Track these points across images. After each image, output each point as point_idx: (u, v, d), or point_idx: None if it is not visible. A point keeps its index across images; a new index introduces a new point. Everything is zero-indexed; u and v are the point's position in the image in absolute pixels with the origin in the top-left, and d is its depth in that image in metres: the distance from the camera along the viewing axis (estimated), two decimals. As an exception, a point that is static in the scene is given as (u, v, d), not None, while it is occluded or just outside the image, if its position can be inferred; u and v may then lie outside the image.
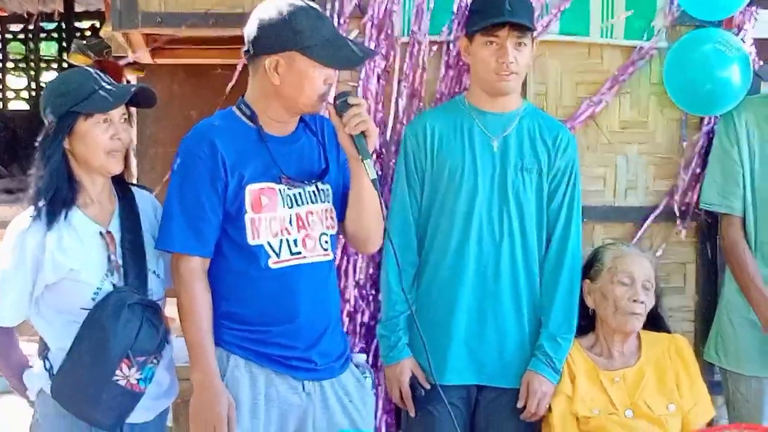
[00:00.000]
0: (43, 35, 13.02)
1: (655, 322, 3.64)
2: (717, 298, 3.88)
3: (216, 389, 3.00)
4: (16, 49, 13.40)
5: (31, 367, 3.15)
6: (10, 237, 3.04)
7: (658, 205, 3.91)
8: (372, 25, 3.77)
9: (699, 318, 3.96)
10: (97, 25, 11.55)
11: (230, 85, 3.76)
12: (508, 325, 3.53)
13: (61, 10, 12.02)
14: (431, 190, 3.55)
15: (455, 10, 3.77)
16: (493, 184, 3.51)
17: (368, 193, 3.08)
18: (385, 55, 3.78)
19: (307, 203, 3.11)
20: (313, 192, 3.13)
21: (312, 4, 3.07)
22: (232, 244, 3.06)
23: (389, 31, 3.78)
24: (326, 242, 3.15)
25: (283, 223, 3.07)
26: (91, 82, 3.06)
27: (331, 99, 3.07)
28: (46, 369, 3.06)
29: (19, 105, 13.24)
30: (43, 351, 3.11)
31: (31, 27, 12.56)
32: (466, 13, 3.66)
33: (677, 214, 3.90)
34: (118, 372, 2.96)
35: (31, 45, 12.96)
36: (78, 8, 12.17)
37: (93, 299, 3.00)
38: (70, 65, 7.48)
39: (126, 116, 3.12)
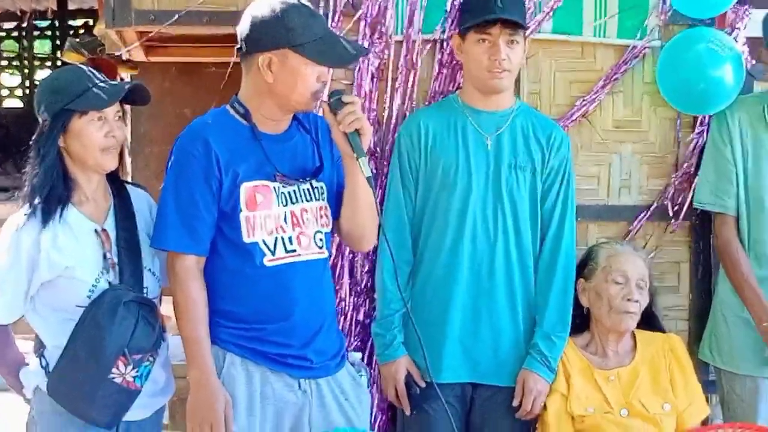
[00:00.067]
0: (36, 33, 13.04)
1: (649, 321, 3.65)
2: (711, 297, 3.89)
3: (213, 387, 3.00)
4: (9, 46, 13.41)
5: (27, 364, 3.15)
6: (5, 235, 3.04)
7: (651, 204, 3.92)
8: (365, 24, 3.78)
9: (693, 317, 3.97)
10: (91, 22, 11.55)
11: (223, 82, 3.76)
12: (502, 323, 3.53)
13: (55, 8, 12.02)
14: (425, 188, 3.55)
15: (448, 8, 3.77)
16: (487, 182, 3.51)
17: (363, 191, 3.09)
18: (378, 53, 3.79)
19: (302, 201, 3.12)
20: (308, 190, 3.14)
21: (305, 2, 3.07)
22: (227, 243, 3.07)
23: (383, 30, 3.79)
24: (321, 240, 3.15)
25: (277, 221, 3.08)
26: (85, 79, 3.06)
27: (325, 97, 3.07)
28: (42, 366, 3.07)
29: (13, 103, 13.25)
30: (39, 348, 3.12)
31: (24, 25, 12.57)
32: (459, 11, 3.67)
33: (671, 213, 3.91)
34: (114, 370, 2.97)
35: (25, 43, 12.97)
36: (71, 6, 12.18)
37: (89, 297, 3.00)
38: (64, 63, 7.46)
39: (120, 114, 3.12)
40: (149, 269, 3.14)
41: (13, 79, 13.54)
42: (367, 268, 3.80)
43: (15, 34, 13.00)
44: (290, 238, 3.09)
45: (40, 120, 3.06)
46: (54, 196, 3.02)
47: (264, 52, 3.00)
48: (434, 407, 3.46)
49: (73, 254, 3.02)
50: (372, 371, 3.69)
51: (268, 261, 3.06)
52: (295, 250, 3.09)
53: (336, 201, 3.20)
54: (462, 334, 3.52)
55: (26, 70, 13.06)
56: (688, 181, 3.90)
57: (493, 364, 3.53)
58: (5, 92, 13.29)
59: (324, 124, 3.14)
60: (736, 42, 3.83)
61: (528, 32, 3.65)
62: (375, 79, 3.80)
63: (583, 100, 3.88)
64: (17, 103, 13.11)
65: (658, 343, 3.60)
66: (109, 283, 3.03)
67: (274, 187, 3.08)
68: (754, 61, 3.92)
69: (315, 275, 3.14)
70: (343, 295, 3.77)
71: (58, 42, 12.45)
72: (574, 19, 3.85)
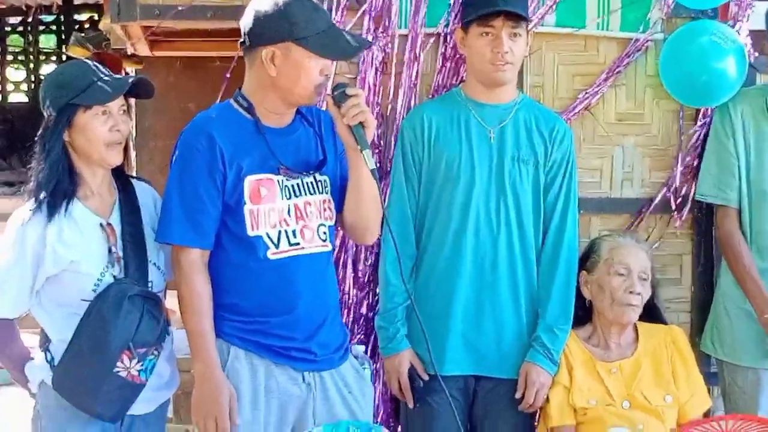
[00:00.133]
0: (41, 28, 13.06)
1: (651, 313, 3.65)
2: (713, 289, 3.89)
3: (217, 380, 3.01)
4: (15, 41, 13.42)
5: (32, 358, 3.16)
6: (11, 230, 3.05)
7: (654, 196, 3.93)
8: (369, 18, 3.79)
9: (695, 309, 3.98)
10: (96, 17, 11.56)
11: (227, 76, 3.78)
12: (505, 315, 3.54)
13: (60, 3, 11.98)
14: (428, 181, 3.55)
15: (452, 2, 3.78)
16: (490, 175, 3.51)
17: (367, 184, 3.10)
18: (382, 47, 3.80)
19: (306, 194, 3.13)
20: (311, 183, 3.15)
21: (307, -5, 3.08)
22: (231, 236, 3.08)
23: (387, 24, 3.80)
24: (324, 233, 3.16)
25: (281, 214, 3.08)
26: (90, 74, 3.06)
27: (329, 90, 3.08)
28: (47, 361, 3.08)
29: (19, 97, 13.27)
30: (45, 343, 3.13)
31: (29, 19, 12.58)
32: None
33: (673, 205, 3.92)
34: (119, 363, 2.98)
35: (30, 37, 12.99)
36: (77, 1, 12.17)
37: (94, 291, 3.01)
38: (69, 57, 7.48)
39: (125, 108, 3.13)
40: (154, 263, 3.15)
41: (18, 73, 13.56)
42: (370, 262, 3.81)
43: (20, 28, 13.02)
44: (294, 232, 3.10)
45: (45, 115, 3.07)
46: (59, 190, 3.03)
47: (267, 45, 3.01)
48: (437, 400, 3.46)
49: (78, 248, 3.03)
50: (375, 364, 3.70)
51: (271, 254, 3.07)
52: (298, 243, 3.10)
53: (339, 194, 3.21)
54: (465, 326, 3.52)
55: (31, 65, 13.08)
56: (690, 173, 3.91)
57: (496, 356, 3.54)
58: (11, 87, 13.30)
59: (327, 118, 3.15)
60: (738, 34, 3.83)
61: (531, 26, 3.66)
62: (379, 73, 3.81)
63: (586, 93, 3.88)
64: (23, 98, 13.13)
65: (660, 335, 3.60)
66: (114, 277, 3.04)
67: (278, 181, 3.09)
68: (756, 54, 3.93)
69: (318, 268, 3.15)
70: (346, 288, 3.78)
71: (63, 37, 12.47)
72: (576, 12, 3.86)
